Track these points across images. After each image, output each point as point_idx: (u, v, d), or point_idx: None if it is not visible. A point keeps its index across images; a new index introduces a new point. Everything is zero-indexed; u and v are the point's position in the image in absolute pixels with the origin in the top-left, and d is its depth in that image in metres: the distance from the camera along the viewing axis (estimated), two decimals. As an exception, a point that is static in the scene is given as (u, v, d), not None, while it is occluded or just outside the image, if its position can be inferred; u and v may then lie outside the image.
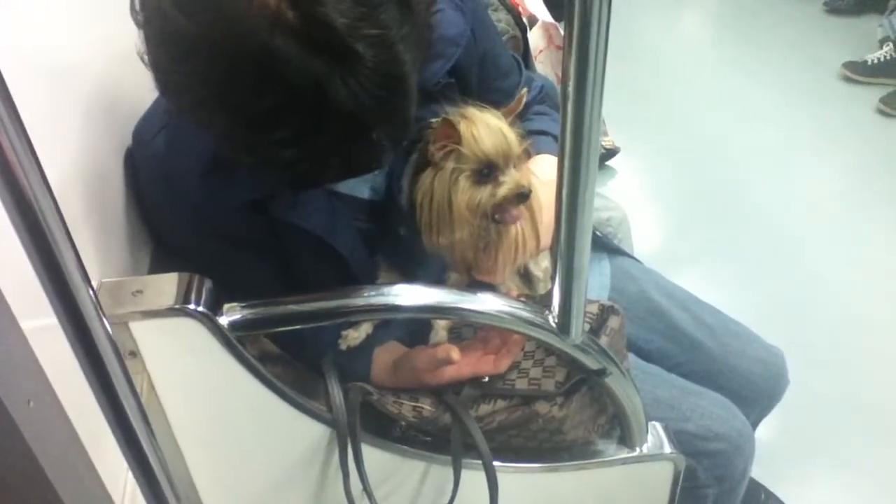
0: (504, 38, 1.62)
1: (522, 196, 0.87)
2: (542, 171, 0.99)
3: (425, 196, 0.88)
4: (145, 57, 0.75)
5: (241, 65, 0.68)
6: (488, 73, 1.05)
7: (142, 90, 0.77)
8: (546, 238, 0.98)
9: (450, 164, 0.86)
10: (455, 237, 0.89)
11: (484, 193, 0.87)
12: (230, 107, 0.72)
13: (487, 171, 0.86)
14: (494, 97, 1.07)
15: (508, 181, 0.87)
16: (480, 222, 0.89)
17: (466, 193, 0.86)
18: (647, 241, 2.26)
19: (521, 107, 0.91)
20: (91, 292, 0.56)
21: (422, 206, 0.88)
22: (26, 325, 0.55)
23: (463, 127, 0.86)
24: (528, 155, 0.92)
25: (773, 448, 1.68)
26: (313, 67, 0.68)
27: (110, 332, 0.58)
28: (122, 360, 0.60)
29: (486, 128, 0.85)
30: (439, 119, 0.87)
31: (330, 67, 0.68)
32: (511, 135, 0.87)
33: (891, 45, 3.02)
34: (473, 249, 0.92)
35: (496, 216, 0.89)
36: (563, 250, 0.76)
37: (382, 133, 0.77)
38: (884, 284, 2.21)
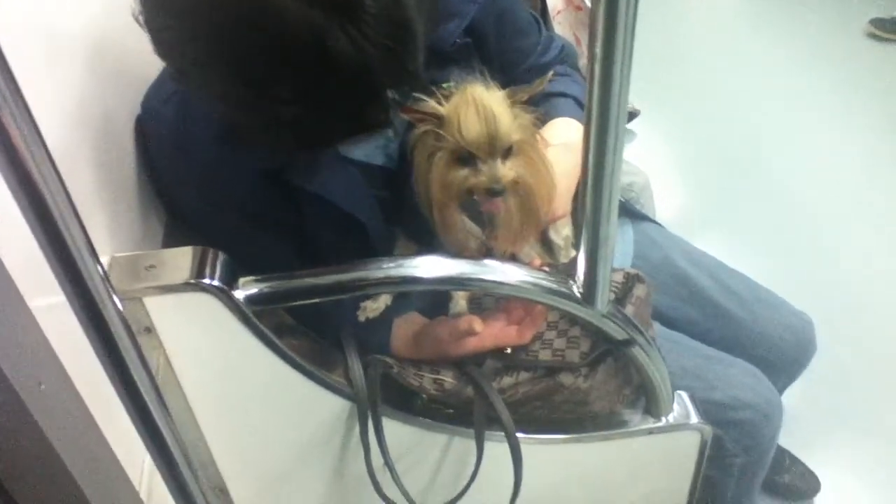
0: (521, -3, 1.57)
1: (493, 192, 0.82)
2: (561, 135, 0.95)
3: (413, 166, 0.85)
4: (140, 17, 0.72)
5: (235, 18, 0.66)
6: (506, 32, 1.01)
7: (152, 56, 0.74)
8: (564, 206, 0.95)
9: (430, 139, 0.83)
10: (438, 213, 0.85)
11: (458, 176, 0.83)
12: (226, 63, 0.69)
13: (467, 155, 0.82)
14: (512, 57, 1.03)
15: (485, 172, 0.81)
16: (455, 203, 0.85)
17: (441, 172, 0.83)
18: (668, 206, 2.21)
19: (542, 87, 0.86)
20: (100, 268, 0.53)
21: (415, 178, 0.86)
22: (34, 303, 0.53)
23: (450, 107, 0.81)
24: (538, 124, 0.88)
25: (796, 414, 1.66)
26: (311, 17, 0.65)
27: (120, 309, 0.56)
28: (133, 337, 0.58)
29: (474, 114, 0.80)
30: (451, 84, 0.84)
31: (329, 16, 0.66)
32: (506, 124, 0.81)
33: (919, -1, 2.93)
34: (464, 232, 0.88)
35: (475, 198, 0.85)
36: (589, 218, 0.73)
37: (390, 86, 0.74)
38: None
